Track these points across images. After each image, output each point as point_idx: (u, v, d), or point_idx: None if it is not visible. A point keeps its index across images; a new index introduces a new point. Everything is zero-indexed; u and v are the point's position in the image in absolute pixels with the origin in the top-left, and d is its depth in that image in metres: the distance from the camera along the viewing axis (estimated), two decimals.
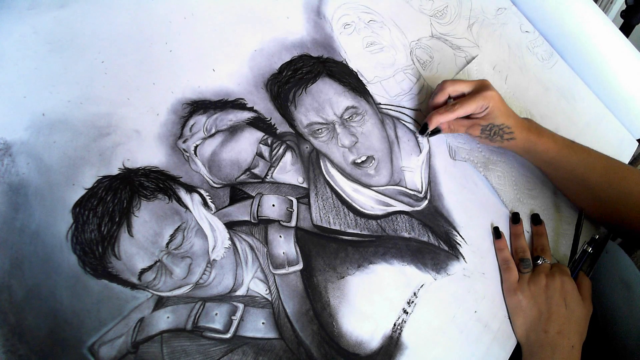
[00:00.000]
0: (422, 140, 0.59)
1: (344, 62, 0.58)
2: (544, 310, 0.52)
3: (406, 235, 0.53)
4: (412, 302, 0.50)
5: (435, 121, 0.54)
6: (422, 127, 0.57)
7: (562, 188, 0.62)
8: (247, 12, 0.54)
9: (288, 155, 0.51)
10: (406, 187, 0.56)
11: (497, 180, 0.62)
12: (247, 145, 0.49)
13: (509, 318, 0.55)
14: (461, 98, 0.55)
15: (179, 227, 0.43)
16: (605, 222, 0.62)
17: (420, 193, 0.56)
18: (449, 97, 0.56)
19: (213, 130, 0.48)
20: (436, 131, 0.57)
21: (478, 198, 0.60)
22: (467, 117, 0.57)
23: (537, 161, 0.60)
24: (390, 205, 0.54)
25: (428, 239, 0.54)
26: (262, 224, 0.47)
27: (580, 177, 0.57)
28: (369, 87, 0.59)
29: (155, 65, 0.47)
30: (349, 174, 0.53)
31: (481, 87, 0.54)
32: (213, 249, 0.44)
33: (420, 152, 0.59)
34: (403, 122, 0.60)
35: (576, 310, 0.52)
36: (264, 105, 0.51)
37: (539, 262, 0.56)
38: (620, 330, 0.60)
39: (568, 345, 0.50)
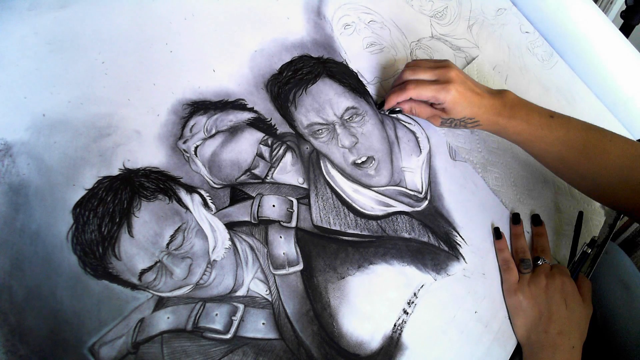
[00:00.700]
0: (422, 140, 0.59)
1: (344, 63, 0.58)
2: (544, 311, 0.52)
3: (406, 235, 0.53)
4: (412, 302, 0.50)
5: (390, 100, 0.54)
6: (380, 103, 0.57)
7: (542, 164, 0.58)
8: (247, 13, 0.54)
9: (288, 156, 0.51)
10: (406, 188, 0.56)
11: (494, 182, 0.62)
12: (247, 146, 0.49)
13: (509, 318, 0.55)
14: (418, 80, 0.53)
15: (179, 227, 0.43)
16: (591, 196, 0.60)
17: (421, 193, 0.56)
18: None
19: (213, 131, 0.48)
20: (398, 111, 0.57)
21: (478, 198, 0.60)
22: (430, 104, 0.55)
23: (510, 141, 0.57)
24: (391, 206, 0.54)
25: (428, 239, 0.54)
26: (262, 225, 0.47)
27: (557, 154, 0.54)
28: (369, 88, 0.59)
29: (155, 65, 0.47)
30: (349, 175, 0.53)
31: (442, 78, 0.52)
32: (213, 250, 0.44)
33: (421, 152, 0.59)
34: (403, 122, 0.60)
35: (576, 311, 0.52)
36: (264, 105, 0.51)
37: (539, 262, 0.56)
38: (619, 331, 0.60)
39: (569, 345, 0.50)
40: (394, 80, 0.57)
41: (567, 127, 0.53)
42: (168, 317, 0.40)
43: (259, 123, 0.51)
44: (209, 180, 0.46)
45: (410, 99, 0.55)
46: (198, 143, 0.47)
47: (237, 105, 0.50)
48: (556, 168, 0.57)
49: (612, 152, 0.52)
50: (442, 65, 0.53)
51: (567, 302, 0.52)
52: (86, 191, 0.40)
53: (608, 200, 0.56)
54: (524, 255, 0.57)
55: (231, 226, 0.46)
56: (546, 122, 0.53)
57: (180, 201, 0.44)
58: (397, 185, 0.55)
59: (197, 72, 0.49)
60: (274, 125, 0.51)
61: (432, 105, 0.55)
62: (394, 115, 0.59)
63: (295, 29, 0.57)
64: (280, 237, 0.47)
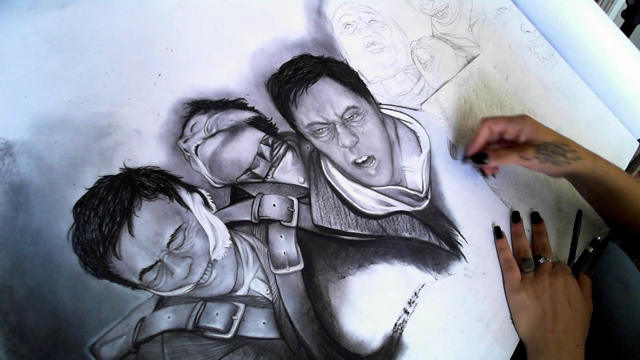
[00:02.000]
0: (423, 140, 0.59)
1: (345, 62, 0.58)
2: (548, 309, 0.52)
3: (407, 235, 0.53)
4: (413, 302, 0.50)
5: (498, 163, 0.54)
6: (479, 156, 0.55)
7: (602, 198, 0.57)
8: (247, 12, 0.54)
9: (289, 155, 0.51)
10: (407, 187, 0.56)
11: (494, 181, 0.62)
12: (248, 145, 0.49)
13: (511, 318, 0.54)
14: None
15: (179, 227, 0.43)
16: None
17: (421, 193, 0.56)
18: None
19: (214, 130, 0.48)
20: (483, 156, 0.55)
21: (479, 198, 0.60)
22: (510, 142, 0.55)
23: (607, 187, 0.54)
24: (391, 205, 0.54)
25: (429, 238, 0.54)
26: (263, 224, 0.47)
27: (618, 189, 0.54)
28: (370, 87, 0.59)
29: (156, 65, 0.47)
30: (350, 174, 0.53)
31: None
32: (214, 249, 0.44)
33: (421, 152, 0.59)
34: (404, 122, 0.60)
35: (579, 309, 0.52)
36: (264, 105, 0.51)
37: (541, 261, 0.56)
38: (619, 330, 0.60)
39: (573, 343, 0.50)
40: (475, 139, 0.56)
41: (623, 172, 0.54)
42: (169, 317, 0.40)
43: (259, 122, 0.51)
44: (209, 179, 0.46)
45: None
46: (199, 142, 0.47)
47: (238, 104, 0.50)
48: (611, 207, 0.57)
49: None
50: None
51: (571, 300, 0.52)
52: (87, 190, 0.40)
53: None
54: (525, 254, 0.57)
55: (232, 225, 0.46)
56: (633, 179, 0.54)
57: (180, 200, 0.44)
58: (397, 184, 0.55)
59: (197, 71, 0.49)
60: (275, 124, 0.51)
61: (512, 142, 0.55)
62: (479, 164, 0.56)
63: (295, 28, 0.57)
64: (281, 236, 0.47)
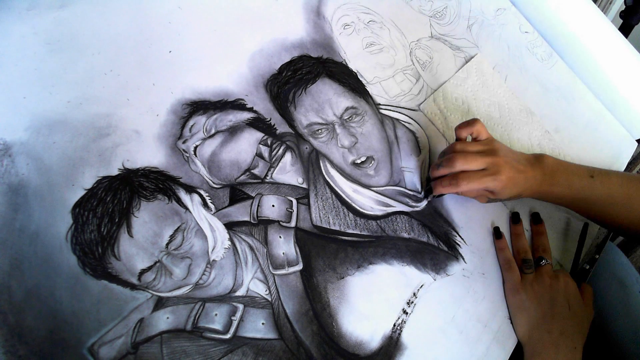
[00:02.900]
0: (422, 140, 0.59)
1: (344, 63, 0.58)
2: (547, 311, 0.52)
3: (406, 235, 0.53)
4: (412, 302, 0.50)
5: (439, 192, 0.53)
6: (427, 191, 0.56)
7: (585, 217, 0.60)
8: (246, 13, 0.54)
9: (288, 156, 0.51)
10: (406, 188, 0.56)
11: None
12: (246, 146, 0.49)
13: (510, 318, 0.55)
14: (469, 172, 0.51)
15: (178, 227, 0.43)
16: (633, 239, 0.62)
17: (420, 193, 0.56)
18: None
19: (213, 131, 0.48)
20: (443, 195, 0.56)
21: None
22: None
23: (553, 203, 0.58)
24: (390, 206, 0.54)
25: (427, 239, 0.54)
26: (261, 225, 0.47)
27: (599, 211, 0.56)
28: (369, 88, 0.59)
29: (154, 65, 0.47)
30: (349, 175, 0.53)
31: (492, 167, 0.51)
32: (213, 250, 0.44)
33: (420, 152, 0.59)
34: (402, 122, 0.60)
35: (579, 312, 0.52)
36: (263, 105, 0.51)
37: (542, 263, 0.56)
38: (616, 330, 0.60)
39: (571, 346, 0.50)
40: (440, 155, 0.55)
41: (607, 185, 0.55)
42: (167, 317, 0.40)
43: (258, 123, 0.51)
44: (208, 180, 0.46)
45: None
46: (197, 143, 0.47)
47: (237, 105, 0.50)
48: (599, 221, 0.59)
49: None
50: (489, 150, 0.52)
51: (570, 303, 0.52)
52: (85, 191, 0.40)
53: None
54: (525, 255, 0.57)
55: (230, 226, 0.46)
56: (587, 184, 0.54)
57: (179, 201, 0.44)
58: (396, 185, 0.55)
59: (196, 72, 0.49)
60: (274, 125, 0.51)
61: None
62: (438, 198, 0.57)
63: (294, 29, 0.57)
64: (280, 237, 0.47)
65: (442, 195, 0.56)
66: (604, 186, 0.54)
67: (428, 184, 0.56)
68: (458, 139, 0.55)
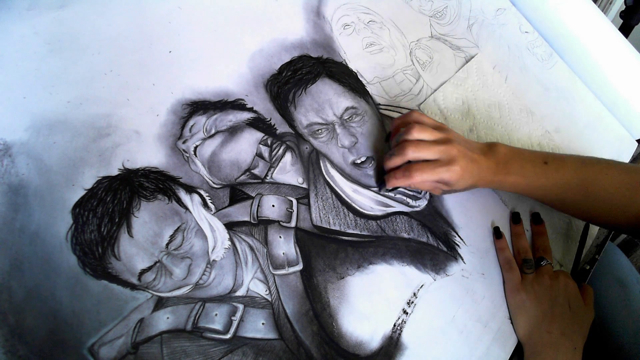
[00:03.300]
0: None
1: (344, 63, 0.58)
2: (547, 311, 0.52)
3: (406, 235, 0.53)
4: (412, 302, 0.50)
5: (392, 184, 0.51)
6: (380, 184, 0.54)
7: (542, 203, 0.59)
8: (246, 13, 0.54)
9: (288, 156, 0.51)
10: (405, 188, 0.56)
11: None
12: (246, 146, 0.49)
13: (510, 318, 0.55)
14: (422, 163, 0.49)
15: (178, 227, 0.43)
16: (594, 224, 0.61)
17: (420, 193, 0.56)
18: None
19: (213, 131, 0.48)
20: (396, 188, 0.54)
21: (477, 198, 0.60)
22: None
23: (508, 191, 0.58)
24: (390, 206, 0.54)
25: (427, 239, 0.54)
26: (261, 225, 0.47)
27: (555, 197, 0.55)
28: (369, 88, 0.59)
29: (155, 65, 0.47)
30: (349, 175, 0.53)
31: (445, 157, 0.49)
32: (213, 250, 0.44)
33: None
34: None
35: (579, 313, 0.52)
36: (263, 105, 0.51)
37: (542, 263, 0.56)
38: (616, 329, 0.60)
39: (571, 346, 0.50)
40: (392, 144, 0.53)
41: (562, 171, 0.53)
42: (167, 317, 0.40)
43: (258, 123, 0.51)
44: (208, 180, 0.46)
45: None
46: (197, 143, 0.47)
47: (237, 105, 0.50)
48: (556, 207, 0.58)
49: (609, 185, 0.52)
50: (443, 139, 0.50)
51: (571, 303, 0.52)
52: (85, 191, 0.40)
53: (610, 226, 0.58)
54: (526, 255, 0.57)
55: (231, 226, 0.46)
56: (541, 171, 0.53)
57: (179, 201, 0.44)
58: None
59: (196, 72, 0.49)
60: (274, 125, 0.51)
61: None
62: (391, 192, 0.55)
63: (294, 29, 0.57)
64: (280, 237, 0.47)
65: (396, 188, 0.54)
66: (558, 172, 0.53)
67: (382, 176, 0.54)
68: (392, 134, 0.54)
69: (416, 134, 0.50)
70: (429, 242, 0.54)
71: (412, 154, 0.49)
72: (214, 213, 0.45)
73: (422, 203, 0.56)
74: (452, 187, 0.51)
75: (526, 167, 0.53)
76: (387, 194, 0.54)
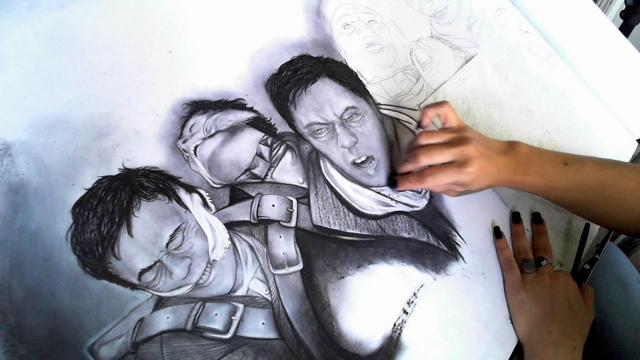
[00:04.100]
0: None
1: (344, 63, 0.58)
2: (547, 310, 0.52)
3: (406, 235, 0.53)
4: (412, 302, 0.50)
5: (405, 187, 0.52)
6: (392, 183, 0.54)
7: (560, 206, 0.58)
8: (247, 13, 0.54)
9: (288, 156, 0.51)
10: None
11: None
12: (247, 146, 0.49)
13: (510, 317, 0.55)
14: (435, 167, 0.49)
15: (178, 227, 0.43)
16: (610, 228, 0.60)
17: (420, 193, 0.56)
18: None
19: (213, 131, 0.48)
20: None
21: (478, 197, 0.60)
22: None
23: (526, 192, 0.56)
24: (390, 206, 0.54)
25: (427, 239, 0.54)
26: (262, 224, 0.47)
27: (574, 199, 0.54)
28: (369, 88, 0.59)
29: (155, 65, 0.47)
30: (349, 174, 0.53)
31: (461, 158, 0.48)
32: (213, 249, 0.44)
33: None
34: (403, 122, 0.60)
35: (579, 313, 0.52)
36: (263, 105, 0.51)
37: (543, 263, 0.56)
38: (616, 329, 0.60)
39: (571, 346, 0.50)
40: (406, 150, 0.52)
41: (581, 173, 0.52)
42: (167, 317, 0.40)
43: (258, 123, 0.51)
44: (208, 180, 0.46)
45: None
46: (197, 143, 0.47)
47: (237, 105, 0.50)
48: (574, 210, 0.57)
49: (629, 189, 0.51)
50: (458, 139, 0.49)
51: (571, 303, 0.52)
52: (85, 191, 0.40)
53: (629, 231, 0.56)
54: (526, 255, 0.57)
55: (231, 226, 0.46)
56: (561, 172, 0.52)
57: (179, 201, 0.44)
58: None
59: (196, 71, 0.49)
60: (274, 124, 0.51)
61: None
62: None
63: (294, 28, 0.57)
64: (280, 236, 0.47)
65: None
66: (578, 173, 0.52)
67: (393, 176, 0.54)
68: (421, 122, 0.53)
69: (424, 140, 0.50)
70: (429, 242, 0.54)
71: (425, 160, 0.49)
72: (214, 213, 0.45)
73: (423, 202, 0.56)
74: (468, 187, 0.50)
75: (546, 168, 0.52)
76: (386, 193, 0.54)
